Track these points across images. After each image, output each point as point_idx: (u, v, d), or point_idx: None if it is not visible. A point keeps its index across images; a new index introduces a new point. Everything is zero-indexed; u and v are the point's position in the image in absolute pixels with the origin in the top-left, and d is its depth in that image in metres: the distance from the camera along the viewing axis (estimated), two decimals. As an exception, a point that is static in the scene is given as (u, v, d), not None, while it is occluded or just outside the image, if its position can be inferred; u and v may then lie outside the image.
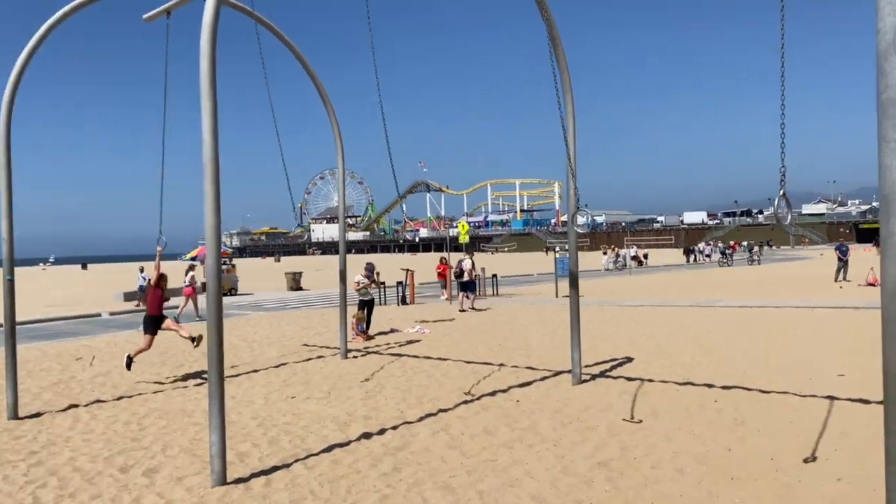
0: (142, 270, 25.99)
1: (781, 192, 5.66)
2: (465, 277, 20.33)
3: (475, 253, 26.67)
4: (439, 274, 24.76)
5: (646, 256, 53.02)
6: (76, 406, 8.89)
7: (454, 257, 24.76)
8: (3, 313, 8.42)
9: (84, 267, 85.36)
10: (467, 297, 20.26)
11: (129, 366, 10.47)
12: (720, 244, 63.07)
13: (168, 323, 10.64)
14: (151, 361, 12.06)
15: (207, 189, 5.85)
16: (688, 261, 55.54)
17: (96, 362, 12.30)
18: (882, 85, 3.60)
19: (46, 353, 13.67)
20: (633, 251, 51.34)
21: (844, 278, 26.98)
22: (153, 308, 10.53)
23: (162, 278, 10.51)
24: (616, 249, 48.78)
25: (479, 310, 20.05)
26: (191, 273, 21.29)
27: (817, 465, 5.77)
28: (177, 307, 21.17)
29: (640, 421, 7.33)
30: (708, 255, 57.24)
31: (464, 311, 19.66)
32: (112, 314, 22.80)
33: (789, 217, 5.82)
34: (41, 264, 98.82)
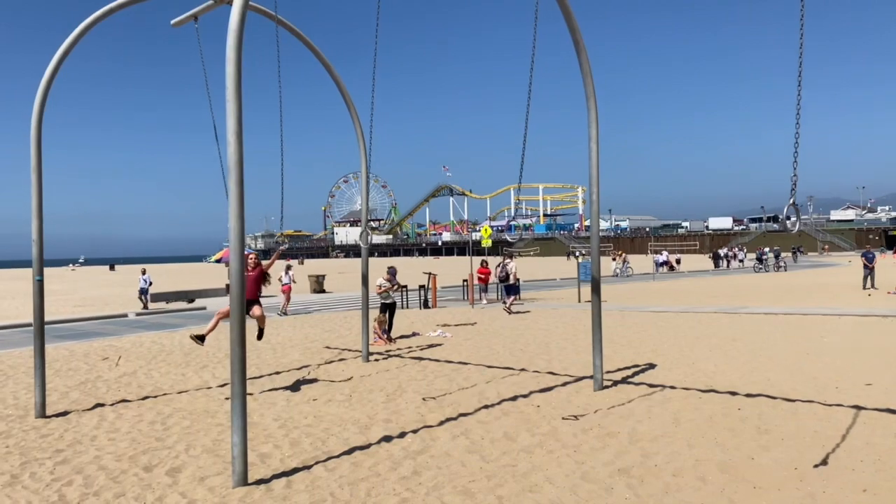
0: (143, 272, 26.50)
1: (791, 200, 5.63)
2: (511, 280, 20.97)
3: (515, 256, 26.82)
4: (480, 278, 24.64)
5: (678, 262, 52.31)
6: (102, 405, 9.03)
7: (478, 261, 24.77)
8: (32, 313, 8.59)
9: (112, 268, 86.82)
10: (504, 300, 20.93)
11: (202, 339, 10.15)
12: (744, 249, 62.00)
13: (255, 310, 9.76)
14: (176, 362, 12.20)
15: (232, 191, 5.90)
16: (716, 266, 54.68)
17: (122, 362, 12.47)
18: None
19: (74, 352, 13.90)
20: (663, 256, 50.61)
21: (872, 285, 26.54)
22: (251, 291, 9.59)
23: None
24: (624, 256, 48.37)
25: (518, 312, 20.25)
26: (290, 272, 22.79)
27: (842, 475, 5.68)
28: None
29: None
30: (741, 261, 56.28)
31: (512, 312, 20.01)
32: (138, 315, 23.10)
33: (798, 225, 5.82)
34: (70, 265, 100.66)
